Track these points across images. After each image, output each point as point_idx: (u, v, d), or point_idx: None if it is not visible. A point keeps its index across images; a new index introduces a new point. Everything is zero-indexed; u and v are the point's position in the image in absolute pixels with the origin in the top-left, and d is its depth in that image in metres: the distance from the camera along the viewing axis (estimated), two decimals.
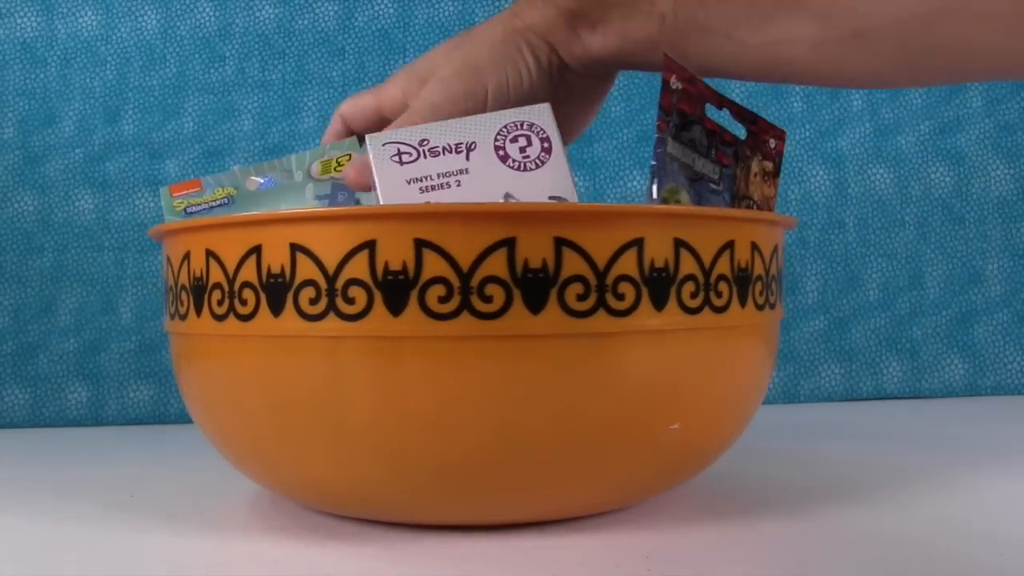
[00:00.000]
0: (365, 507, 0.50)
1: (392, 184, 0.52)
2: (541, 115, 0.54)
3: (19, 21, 0.94)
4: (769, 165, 0.59)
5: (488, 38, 0.58)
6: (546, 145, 0.53)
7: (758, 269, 0.50)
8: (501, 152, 0.53)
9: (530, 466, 0.46)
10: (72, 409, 0.91)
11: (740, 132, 0.59)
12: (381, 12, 0.97)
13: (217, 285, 0.48)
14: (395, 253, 0.43)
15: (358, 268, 0.44)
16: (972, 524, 0.51)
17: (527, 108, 0.54)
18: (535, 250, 0.43)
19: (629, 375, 0.46)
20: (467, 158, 0.53)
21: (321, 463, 0.47)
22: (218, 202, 0.61)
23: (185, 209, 0.61)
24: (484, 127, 0.53)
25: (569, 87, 0.60)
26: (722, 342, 0.49)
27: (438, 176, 0.52)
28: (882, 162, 1.00)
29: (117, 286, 0.93)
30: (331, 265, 0.44)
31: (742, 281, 0.49)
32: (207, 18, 0.96)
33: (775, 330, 0.54)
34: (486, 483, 0.46)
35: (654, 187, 0.52)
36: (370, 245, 0.44)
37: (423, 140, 0.53)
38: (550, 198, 0.52)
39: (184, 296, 0.50)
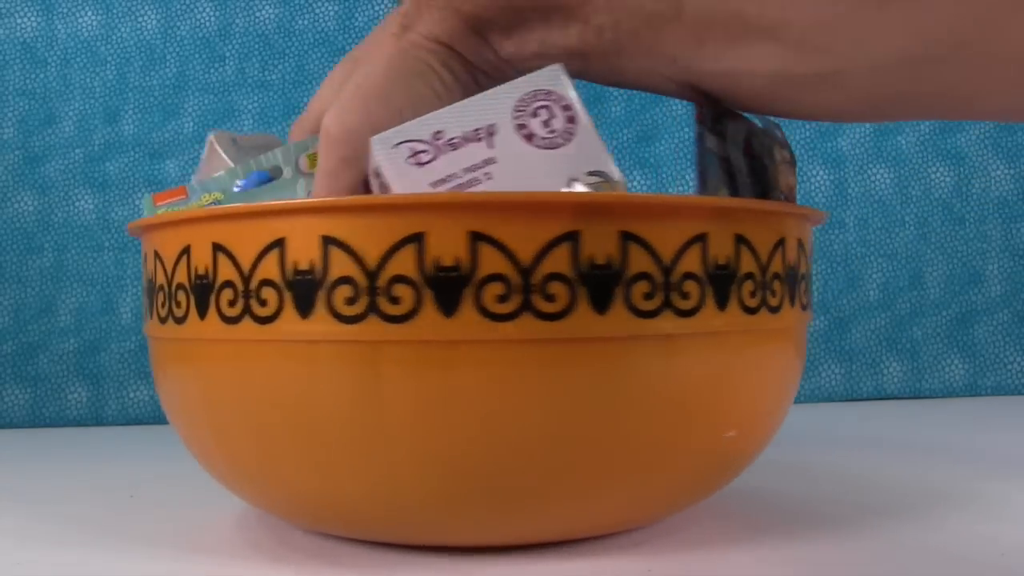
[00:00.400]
0: (396, 531, 0.43)
1: (416, 192, 0.43)
2: (555, 79, 0.44)
3: (19, 21, 0.90)
4: (787, 153, 0.54)
5: (383, 57, 0.48)
6: (569, 114, 0.44)
7: (803, 267, 0.45)
8: (526, 131, 0.44)
9: (582, 478, 0.40)
10: (72, 409, 0.87)
11: (755, 121, 0.53)
12: (381, 12, 0.93)
13: (228, 283, 0.41)
14: (447, 247, 0.37)
15: (404, 264, 0.38)
16: (976, 528, 0.48)
17: (537, 74, 0.45)
18: (600, 245, 0.38)
19: (694, 379, 0.40)
20: (490, 145, 0.44)
21: (353, 483, 0.40)
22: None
23: None
24: (499, 104, 0.44)
25: (483, 89, 0.49)
26: (775, 344, 0.43)
27: (463, 172, 0.43)
28: (882, 162, 0.96)
29: (117, 286, 0.89)
30: (372, 261, 0.38)
31: (791, 280, 0.44)
32: (207, 18, 0.92)
33: (806, 332, 0.49)
34: (537, 498, 0.40)
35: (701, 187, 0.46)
36: (418, 238, 0.38)
37: (437, 132, 0.44)
38: (589, 174, 0.43)
39: (182, 296, 0.43)
